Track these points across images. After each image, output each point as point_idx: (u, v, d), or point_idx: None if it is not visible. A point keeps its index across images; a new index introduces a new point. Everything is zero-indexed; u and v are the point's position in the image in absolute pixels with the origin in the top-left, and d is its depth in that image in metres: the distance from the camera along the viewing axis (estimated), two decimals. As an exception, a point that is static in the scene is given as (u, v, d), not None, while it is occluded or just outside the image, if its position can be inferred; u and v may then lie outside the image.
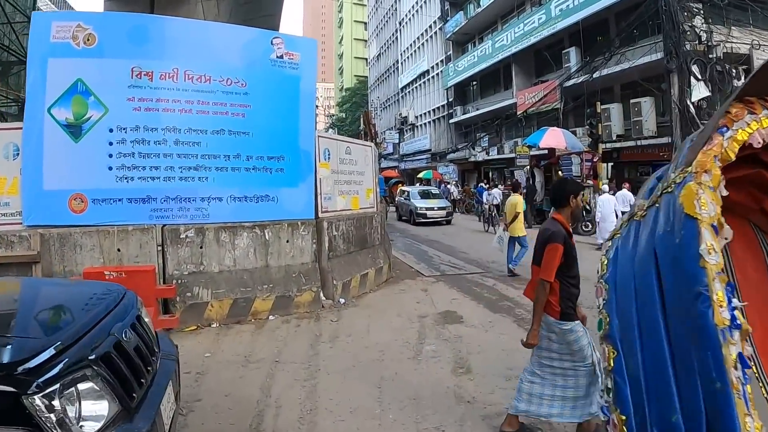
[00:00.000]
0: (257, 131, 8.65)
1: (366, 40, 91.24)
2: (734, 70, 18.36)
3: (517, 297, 9.65)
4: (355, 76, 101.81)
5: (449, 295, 9.92)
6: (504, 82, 37.62)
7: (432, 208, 25.94)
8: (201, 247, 8.11)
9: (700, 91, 17.76)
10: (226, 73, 8.57)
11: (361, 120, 41.82)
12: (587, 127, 24.61)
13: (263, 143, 8.68)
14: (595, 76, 23.20)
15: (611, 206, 15.50)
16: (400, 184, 38.83)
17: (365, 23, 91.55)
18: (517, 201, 12.22)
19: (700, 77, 17.77)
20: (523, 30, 31.09)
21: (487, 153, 38.91)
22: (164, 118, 8.18)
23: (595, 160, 22.46)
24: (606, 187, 18.27)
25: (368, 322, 8.06)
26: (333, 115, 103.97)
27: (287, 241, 8.65)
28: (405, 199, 28.57)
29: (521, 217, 12.18)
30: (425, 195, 27.96)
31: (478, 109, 40.63)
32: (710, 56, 18.07)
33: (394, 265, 12.65)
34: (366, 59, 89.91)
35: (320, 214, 9.19)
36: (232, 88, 8.57)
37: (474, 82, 43.38)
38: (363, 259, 10.31)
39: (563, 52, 27.94)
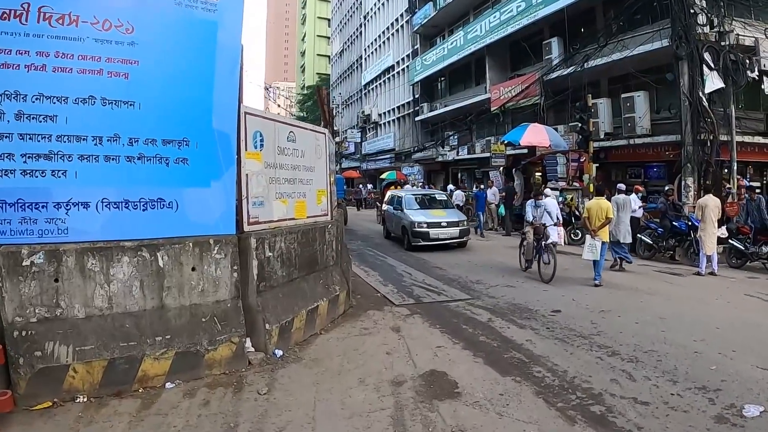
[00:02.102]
0: (148, 101, 5.68)
1: (329, 37, 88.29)
2: (747, 61, 16.04)
3: (526, 342, 6.95)
4: (318, 73, 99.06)
5: (431, 340, 7.10)
6: (476, 77, 35.07)
7: (438, 224, 16.57)
8: (56, 280, 5.15)
9: (713, 81, 15.38)
10: (103, 12, 5.58)
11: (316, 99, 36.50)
12: (576, 123, 22.15)
13: (157, 120, 5.71)
14: (580, 69, 20.70)
15: (555, 210, 14.58)
16: (396, 186, 28.76)
17: (329, 20, 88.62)
18: (609, 206, 11.48)
19: (713, 66, 15.39)
20: (500, 19, 28.49)
21: (457, 152, 36.33)
22: (-6, 77, 5.20)
23: (582, 160, 20.03)
24: (549, 191, 17.36)
25: (314, 398, 5.19)
26: (293, 115, 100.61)
27: (193, 269, 5.74)
28: (395, 208, 18.45)
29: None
30: (426, 202, 18.48)
31: (446, 106, 37.99)
32: (722, 44, 15.72)
33: (353, 287, 9.85)
34: (329, 57, 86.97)
35: (246, 227, 6.29)
36: (112, 35, 5.57)
37: (442, 78, 40.78)
38: (311, 287, 7.44)
39: (544, 43, 25.45)
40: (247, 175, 6.30)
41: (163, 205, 5.70)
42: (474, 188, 23.87)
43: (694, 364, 6.09)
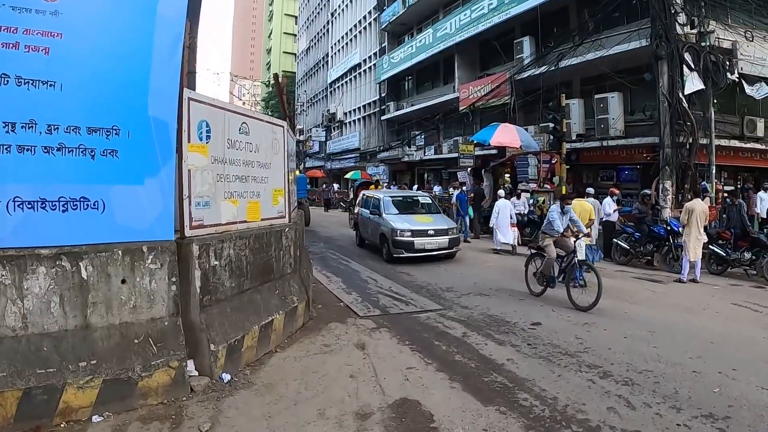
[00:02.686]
0: (72, 82, 4.73)
1: (296, 35, 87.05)
2: (727, 62, 15.68)
3: (508, 362, 6.23)
4: (283, 71, 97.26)
5: (401, 360, 6.31)
6: (444, 76, 34.49)
7: (424, 233, 14.07)
8: (-46, 295, 4.24)
9: (694, 82, 14.96)
10: (16, -28, 4.68)
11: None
12: (548, 124, 21.64)
13: (82, 104, 4.76)
14: (554, 68, 20.19)
15: (508, 212, 16.18)
16: (372, 186, 26.42)
17: (296, 17, 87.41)
18: (591, 207, 12.37)
19: (693, 67, 14.96)
20: (470, 17, 27.92)
21: (424, 152, 35.68)
22: None
23: (554, 161, 19.53)
24: (502, 192, 18.32)
25: (265, 436, 4.40)
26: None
27: (123, 282, 4.83)
28: (372, 213, 15.76)
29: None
30: (408, 206, 16.03)
31: (413, 105, 37.37)
32: (702, 44, 15.32)
33: (314, 296, 9.04)
34: (295, 54, 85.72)
35: (188, 232, 5.40)
36: (31, 2, 4.65)
37: (409, 77, 40.13)
38: (265, 299, 6.57)
39: (515, 42, 24.93)
40: (189, 170, 5.41)
41: (88, 205, 4.77)
42: (451, 189, 22.64)
43: (694, 386, 5.50)
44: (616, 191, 15.74)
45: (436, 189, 30.21)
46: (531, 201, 18.49)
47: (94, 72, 4.84)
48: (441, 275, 12.06)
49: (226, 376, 5.41)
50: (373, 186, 25.64)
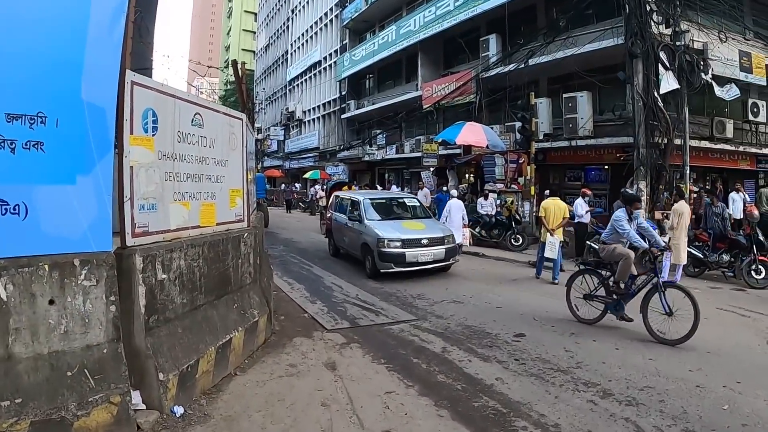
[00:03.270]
0: (-15, 58, 3.93)
1: (255, 32, 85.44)
2: (702, 62, 15.40)
3: (497, 382, 5.62)
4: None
5: (378, 382, 5.60)
6: (406, 74, 33.88)
7: (417, 242, 11.84)
8: None
9: (669, 81, 14.61)
10: None
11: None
12: (514, 123, 21.22)
13: (-2, 85, 3.96)
14: (523, 65, 19.74)
15: (460, 213, 15.50)
16: (347, 187, 22.56)
17: (256, 14, 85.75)
18: (566, 206, 12.45)
19: (669, 65, 14.62)
20: (435, 14, 27.34)
21: (385, 152, 35.02)
22: None
23: (521, 161, 19.08)
24: (455, 192, 17.87)
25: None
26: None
27: (51, 303, 3.96)
28: (350, 219, 13.42)
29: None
30: (393, 210, 13.91)
31: (374, 104, 36.66)
32: (677, 43, 15.00)
33: (276, 306, 8.29)
34: (254, 52, 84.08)
35: (130, 241, 4.56)
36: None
37: (371, 75, 39.43)
38: (223, 315, 5.76)
39: (481, 39, 24.43)
40: (132, 167, 4.58)
41: (6, 209, 3.89)
42: (429, 190, 21.79)
43: (702, 403, 5.05)
44: (588, 192, 15.30)
45: (394, 189, 29.62)
46: (498, 202, 17.97)
47: (15, 45, 3.97)
48: (411, 281, 11.38)
49: (179, 409, 4.61)
50: (346, 187, 21.61)
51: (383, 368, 6.05)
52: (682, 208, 11.39)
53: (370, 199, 13.62)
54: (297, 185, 46.76)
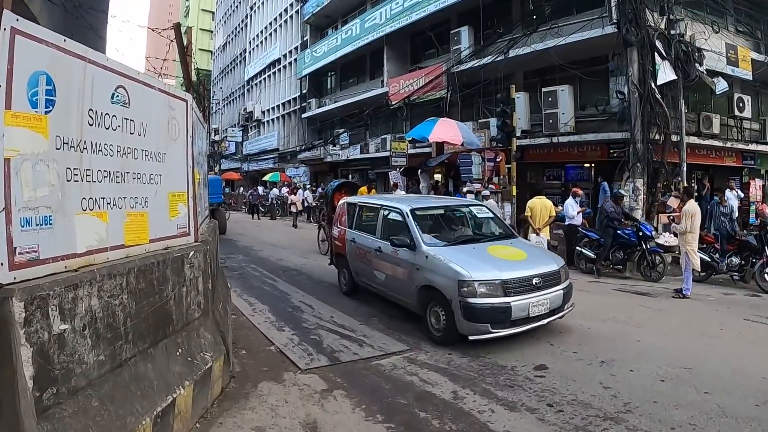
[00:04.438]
0: None
1: (212, 31, 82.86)
2: (697, 53, 14.32)
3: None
4: (199, 69, 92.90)
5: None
6: (371, 70, 32.42)
7: (527, 284, 6.89)
8: None
9: (666, 72, 13.46)
10: None
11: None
12: (487, 120, 20.00)
13: None
14: (499, 59, 18.48)
15: None
16: (362, 190, 16.04)
17: (213, 12, 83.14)
18: (551, 204, 12.16)
19: (665, 55, 13.48)
20: (403, 6, 25.92)
21: (349, 152, 33.46)
22: None
23: (498, 159, 17.75)
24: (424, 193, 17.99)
25: None
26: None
27: None
28: (396, 244, 7.94)
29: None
30: (458, 225, 9.18)
31: (336, 102, 35.06)
32: (671, 32, 13.89)
33: (235, 333, 6.71)
34: (211, 52, 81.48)
35: (5, 276, 2.92)
36: None
37: (333, 72, 37.83)
38: (161, 367, 4.12)
39: (452, 32, 23.11)
40: (8, 160, 2.97)
41: None
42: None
43: None
44: (580, 191, 14.08)
45: (400, 192, 28.10)
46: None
47: None
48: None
49: None
50: (364, 189, 15.92)
51: (383, 430, 4.51)
52: (694, 208, 10.22)
53: (420, 209, 8.46)
54: (260, 188, 44.63)
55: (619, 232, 12.35)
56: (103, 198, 3.75)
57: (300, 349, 6.67)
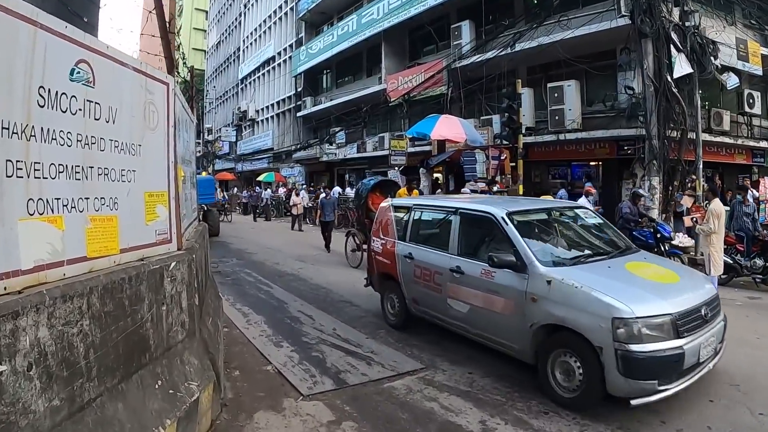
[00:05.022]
0: None
1: (206, 30, 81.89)
2: (711, 45, 13.62)
3: None
4: (195, 68, 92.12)
5: None
6: (368, 67, 31.70)
7: (698, 317, 4.93)
8: None
9: (682, 65, 12.75)
10: None
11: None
12: (490, 117, 19.28)
13: None
14: (503, 53, 17.76)
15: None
16: (401, 192, 13.60)
17: (207, 11, 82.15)
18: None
19: (681, 47, 12.78)
20: (401, 0, 25.24)
21: (345, 151, 32.71)
22: None
23: (503, 157, 17.06)
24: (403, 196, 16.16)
25: None
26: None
27: None
28: (497, 263, 5.59)
29: None
30: (568, 235, 6.71)
31: (332, 100, 34.27)
32: (686, 24, 13.20)
33: (226, 350, 5.96)
34: (205, 51, 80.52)
35: None
36: None
37: (328, 70, 37.05)
38: (135, 406, 3.34)
39: (452, 27, 22.45)
40: None
41: None
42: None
43: None
44: (592, 190, 13.35)
45: (350, 191, 27.43)
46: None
47: None
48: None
49: None
50: (403, 191, 13.39)
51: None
52: (720, 208, 9.56)
53: (519, 213, 6.22)
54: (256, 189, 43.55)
55: (635, 233, 11.63)
56: (57, 199, 2.98)
57: (301, 369, 5.90)
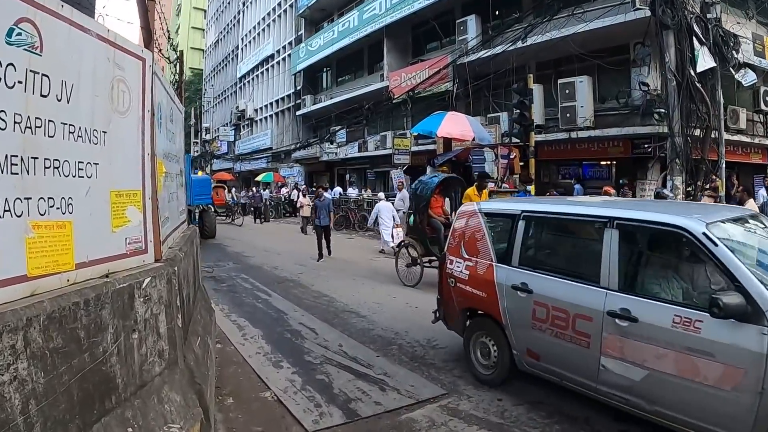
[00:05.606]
0: None
1: (204, 29, 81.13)
2: (733, 38, 12.86)
3: None
4: (190, 68, 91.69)
5: None
6: (369, 64, 31.03)
7: None
8: None
9: (705, 58, 11.98)
10: None
11: None
12: (497, 114, 18.56)
13: None
14: (512, 48, 16.98)
15: (389, 213, 15.70)
16: (470, 193, 11.34)
17: (205, 11, 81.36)
18: None
19: (704, 40, 12.02)
20: (404, -6, 24.63)
21: (346, 151, 31.95)
22: None
23: (512, 156, 16.29)
24: (382, 195, 18.18)
25: None
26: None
27: None
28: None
29: None
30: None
31: (333, 98, 33.49)
32: (708, 15, 12.43)
33: (219, 368, 5.21)
34: (203, 50, 79.74)
35: None
36: None
37: (328, 68, 36.31)
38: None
39: (457, 22, 21.78)
40: None
41: None
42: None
43: None
44: (612, 190, 12.63)
45: (336, 191, 26.78)
46: (495, 204, 15.09)
47: None
48: (405, 312, 8.34)
49: None
50: (473, 191, 11.30)
51: None
52: (756, 209, 8.79)
53: (720, 224, 4.10)
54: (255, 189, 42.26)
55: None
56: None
57: (304, 396, 5.10)
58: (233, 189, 35.19)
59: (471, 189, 11.24)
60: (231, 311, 8.51)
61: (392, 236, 15.36)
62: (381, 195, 18.11)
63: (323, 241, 14.49)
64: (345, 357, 6.27)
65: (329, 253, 14.65)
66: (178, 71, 20.99)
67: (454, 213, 10.20)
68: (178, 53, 22.36)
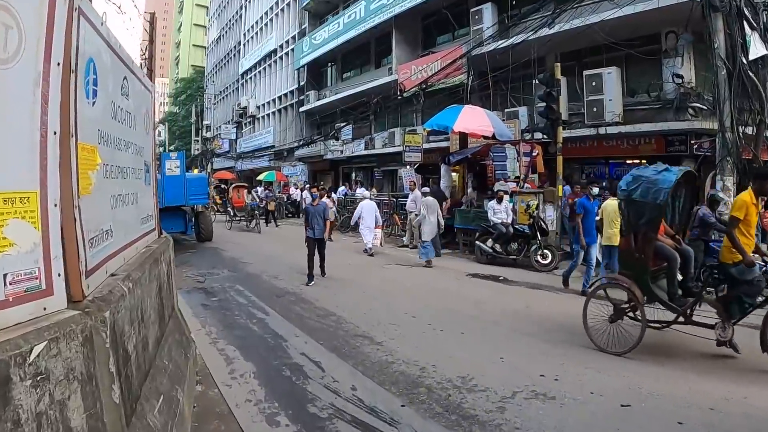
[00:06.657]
0: None
1: (206, 26, 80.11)
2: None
3: None
4: (192, 66, 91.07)
5: None
6: (376, 58, 29.74)
7: None
8: None
9: (756, 45, 10.68)
10: None
11: None
12: (515, 109, 17.19)
13: None
14: (533, 37, 15.66)
15: (372, 213, 15.38)
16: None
17: (207, 7, 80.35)
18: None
19: (755, 24, 10.74)
20: (415, -19, 23.34)
21: (352, 148, 30.62)
22: None
23: (535, 154, 14.96)
24: (367, 193, 18.19)
25: None
26: (165, 113, 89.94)
27: None
28: None
29: None
30: None
31: (337, 93, 32.12)
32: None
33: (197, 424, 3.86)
34: (205, 47, 78.69)
35: None
36: None
37: (332, 62, 34.97)
38: None
39: (472, 11, 20.40)
40: None
41: None
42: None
43: None
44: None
45: (341, 191, 25.43)
46: (512, 204, 13.73)
47: None
48: (431, 335, 6.99)
49: None
50: (749, 197, 6.24)
51: None
52: None
53: None
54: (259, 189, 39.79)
55: (712, 245, 9.54)
56: None
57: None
58: (256, 190, 28.49)
59: (746, 194, 6.54)
60: (219, 335, 7.09)
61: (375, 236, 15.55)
62: (366, 193, 18.29)
63: (316, 257, 11.31)
64: (360, 406, 4.83)
65: (323, 273, 11.62)
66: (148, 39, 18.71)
67: (673, 229, 7.43)
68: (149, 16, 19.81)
